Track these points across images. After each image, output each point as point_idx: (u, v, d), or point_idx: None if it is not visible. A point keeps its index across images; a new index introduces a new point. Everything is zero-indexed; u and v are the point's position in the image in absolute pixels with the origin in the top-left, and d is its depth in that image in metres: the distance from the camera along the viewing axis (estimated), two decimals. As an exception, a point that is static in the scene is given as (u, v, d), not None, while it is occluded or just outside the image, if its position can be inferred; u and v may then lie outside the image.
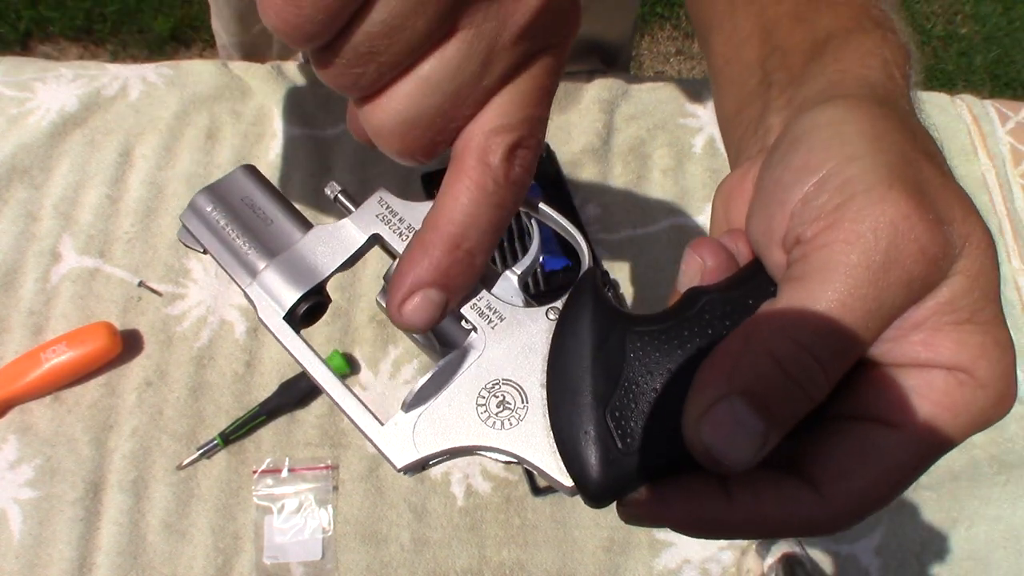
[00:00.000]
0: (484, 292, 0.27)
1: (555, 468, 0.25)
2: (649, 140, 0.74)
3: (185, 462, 0.59)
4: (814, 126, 0.26)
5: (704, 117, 0.76)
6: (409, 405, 0.26)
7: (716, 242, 0.28)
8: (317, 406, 0.62)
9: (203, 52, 1.75)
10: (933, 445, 0.24)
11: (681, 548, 0.59)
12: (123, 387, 0.61)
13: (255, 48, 0.75)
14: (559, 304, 0.27)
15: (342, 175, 0.70)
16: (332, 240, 0.28)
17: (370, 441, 0.26)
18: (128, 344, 0.62)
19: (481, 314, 0.27)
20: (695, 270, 0.28)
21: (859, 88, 0.29)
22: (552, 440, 0.25)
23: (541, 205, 0.29)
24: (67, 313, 0.63)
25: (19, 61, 0.73)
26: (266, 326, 0.27)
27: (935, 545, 0.61)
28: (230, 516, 0.58)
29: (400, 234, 0.28)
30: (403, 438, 0.26)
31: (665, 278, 0.69)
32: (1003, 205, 0.76)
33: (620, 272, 0.69)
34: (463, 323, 0.27)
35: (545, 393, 0.26)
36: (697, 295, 0.27)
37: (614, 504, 0.26)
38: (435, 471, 0.60)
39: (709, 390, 0.23)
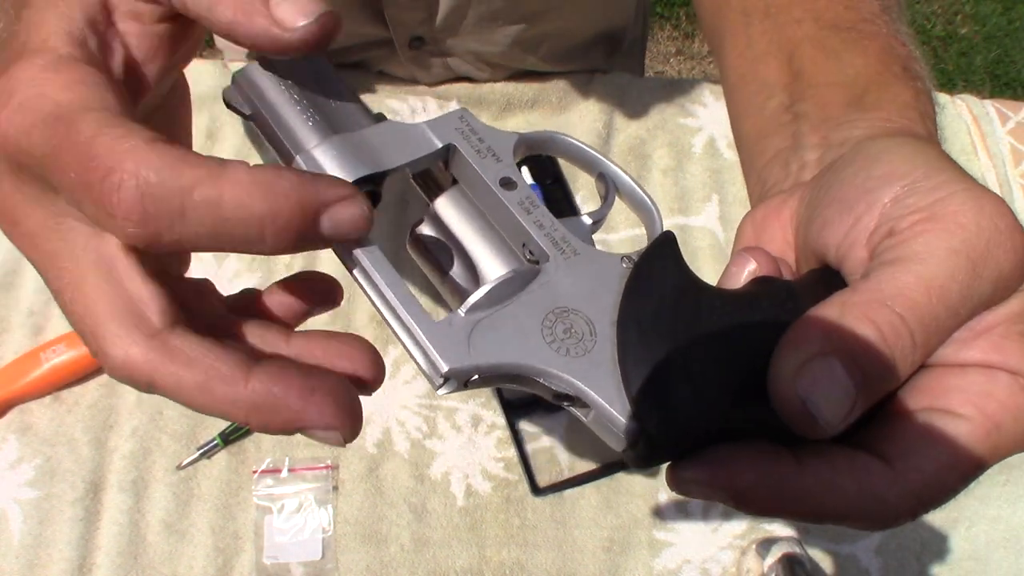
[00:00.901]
0: (559, 224, 0.26)
1: (618, 407, 0.23)
2: (649, 140, 0.74)
3: (185, 462, 0.59)
4: (889, 146, 0.27)
5: (704, 117, 0.76)
6: (470, 308, 0.23)
7: (766, 251, 0.28)
8: (317, 406, 0.62)
9: (203, 52, 1.75)
10: (998, 444, 0.24)
11: (681, 548, 0.59)
12: (123, 387, 0.61)
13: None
14: (634, 255, 0.26)
15: (342, 175, 0.70)
16: (403, 137, 0.26)
17: (410, 335, 0.23)
18: (128, 344, 0.62)
19: (555, 243, 0.25)
20: (747, 273, 0.28)
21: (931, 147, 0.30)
22: (618, 380, 0.23)
23: (615, 167, 0.28)
24: (67, 313, 0.63)
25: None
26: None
27: (935, 545, 0.61)
28: (230, 516, 0.58)
29: (479, 152, 0.26)
30: (456, 339, 0.23)
31: (665, 278, 0.69)
32: (1003, 205, 0.76)
33: (620, 272, 0.69)
34: (526, 252, 0.26)
35: (615, 332, 0.24)
36: (771, 279, 0.26)
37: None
38: (435, 471, 0.60)
39: (806, 346, 0.23)
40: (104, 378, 0.61)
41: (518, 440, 0.61)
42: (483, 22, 0.68)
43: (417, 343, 0.23)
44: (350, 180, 0.24)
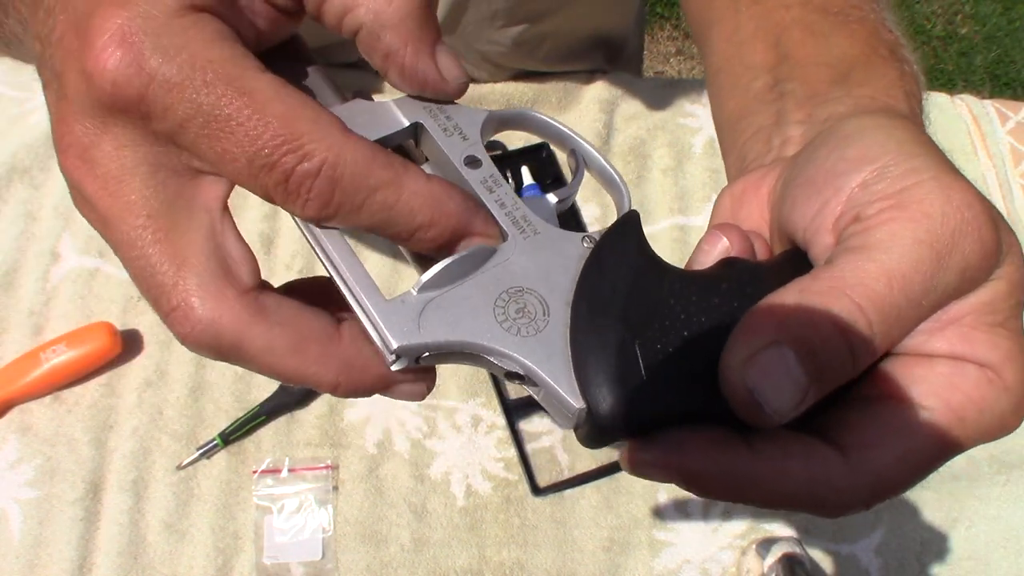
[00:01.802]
0: (520, 202, 0.26)
1: (566, 386, 0.23)
2: (649, 140, 0.74)
3: (185, 462, 0.59)
4: (864, 127, 0.27)
5: (704, 117, 0.76)
6: (423, 287, 0.24)
7: (740, 228, 0.28)
8: (317, 406, 0.62)
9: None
10: (960, 436, 0.24)
11: (681, 548, 0.59)
12: (123, 387, 0.61)
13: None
14: (595, 235, 0.26)
15: (342, 175, 0.70)
16: (370, 115, 0.26)
17: (364, 312, 0.23)
18: (128, 344, 0.62)
19: (515, 222, 0.25)
20: (719, 250, 0.27)
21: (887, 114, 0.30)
22: (568, 360, 0.23)
23: (586, 144, 0.29)
24: (67, 313, 0.63)
25: (20, 61, 0.73)
26: None
27: (935, 545, 0.61)
28: (230, 516, 0.58)
29: (445, 130, 0.26)
30: (407, 317, 0.23)
31: (665, 278, 0.69)
32: (1003, 205, 0.76)
33: (620, 272, 0.69)
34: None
35: (570, 312, 0.24)
36: (734, 261, 0.26)
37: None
38: (435, 471, 0.60)
39: (759, 334, 0.23)
40: (104, 378, 0.61)
41: (518, 440, 0.61)
42: (483, 22, 0.68)
43: (370, 320, 0.23)
44: None
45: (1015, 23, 2.12)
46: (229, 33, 0.22)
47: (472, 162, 0.26)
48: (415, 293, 0.24)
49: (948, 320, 0.24)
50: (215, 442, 0.59)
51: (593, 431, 0.24)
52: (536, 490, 0.60)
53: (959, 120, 0.80)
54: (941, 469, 0.24)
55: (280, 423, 0.61)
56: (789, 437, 0.24)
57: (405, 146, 0.28)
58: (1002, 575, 0.61)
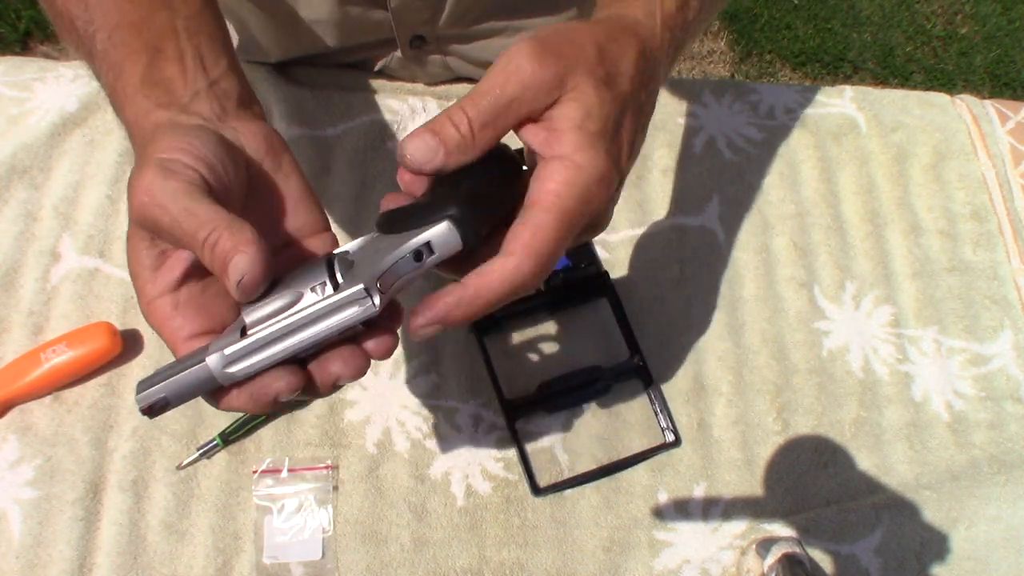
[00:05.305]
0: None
1: (432, 227, 0.35)
2: (649, 140, 0.74)
3: (185, 462, 0.59)
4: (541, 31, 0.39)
5: (704, 117, 0.76)
6: (341, 273, 0.36)
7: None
8: (317, 406, 0.62)
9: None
10: (562, 208, 0.35)
11: (681, 548, 0.59)
12: (123, 387, 0.61)
13: (255, 48, 0.75)
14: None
15: (342, 175, 0.70)
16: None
17: (330, 312, 0.35)
18: (128, 344, 0.62)
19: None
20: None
21: (614, 20, 0.42)
22: (420, 231, 0.36)
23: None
24: (67, 313, 0.63)
25: (19, 61, 0.73)
26: (228, 359, 0.36)
27: (935, 545, 0.61)
28: (230, 516, 0.58)
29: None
30: (353, 282, 0.35)
31: (665, 278, 0.69)
32: (1003, 205, 0.76)
33: (619, 271, 0.69)
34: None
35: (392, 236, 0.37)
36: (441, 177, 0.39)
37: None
38: (435, 471, 0.60)
39: (420, 132, 0.37)
40: (104, 378, 0.61)
41: (518, 440, 0.61)
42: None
43: (338, 305, 0.35)
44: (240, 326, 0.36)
45: (1015, 23, 2.12)
46: (197, 189, 0.36)
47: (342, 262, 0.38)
48: (340, 279, 0.36)
49: (548, 136, 0.37)
50: (215, 442, 0.59)
51: (462, 225, 0.35)
52: (536, 490, 0.60)
53: (959, 120, 0.80)
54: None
55: (280, 423, 0.61)
56: (483, 267, 0.36)
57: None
58: (1002, 575, 0.61)
